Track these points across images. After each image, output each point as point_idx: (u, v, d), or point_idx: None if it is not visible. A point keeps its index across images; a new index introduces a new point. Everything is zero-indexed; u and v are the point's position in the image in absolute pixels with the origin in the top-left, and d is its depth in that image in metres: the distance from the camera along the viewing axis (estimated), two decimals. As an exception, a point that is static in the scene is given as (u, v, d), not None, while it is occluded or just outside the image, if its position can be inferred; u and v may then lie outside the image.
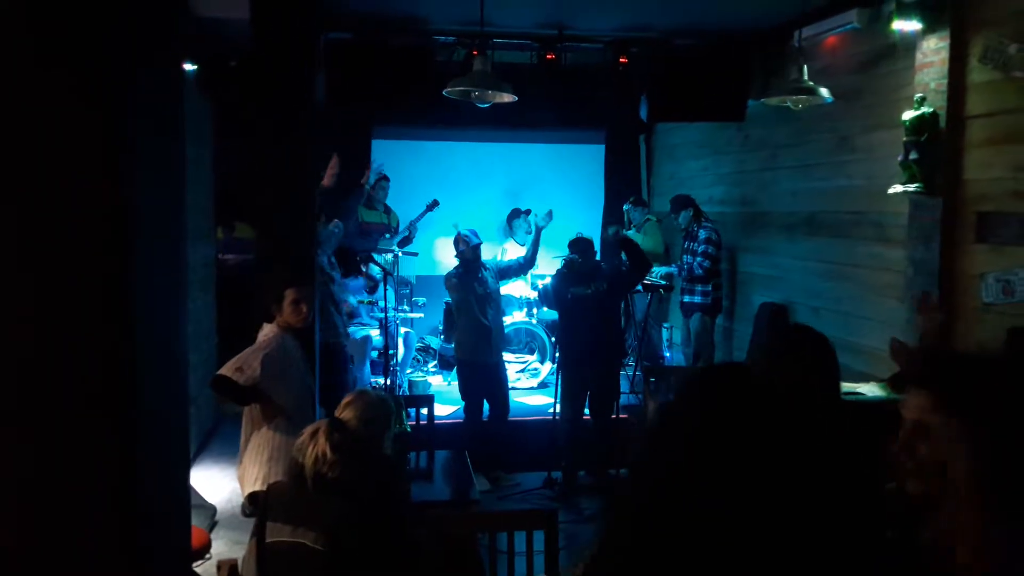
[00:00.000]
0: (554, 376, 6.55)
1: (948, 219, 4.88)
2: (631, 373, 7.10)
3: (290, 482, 2.66)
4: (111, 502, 2.09)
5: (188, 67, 5.90)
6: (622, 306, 6.82)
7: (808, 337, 2.45)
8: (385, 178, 7.74)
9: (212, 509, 5.25)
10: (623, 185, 9.14)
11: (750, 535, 1.09)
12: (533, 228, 6.71)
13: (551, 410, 6.36)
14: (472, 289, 6.06)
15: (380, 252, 7.26)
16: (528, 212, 8.14)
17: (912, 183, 4.98)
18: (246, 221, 8.11)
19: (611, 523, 1.21)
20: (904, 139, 4.99)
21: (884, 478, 1.41)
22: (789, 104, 5.58)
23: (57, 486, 2.05)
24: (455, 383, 6.49)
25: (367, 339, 6.85)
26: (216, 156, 7.41)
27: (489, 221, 8.51)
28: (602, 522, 1.24)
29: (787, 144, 6.93)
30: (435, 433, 4.89)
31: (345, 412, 2.88)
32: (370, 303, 7.19)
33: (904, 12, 5.08)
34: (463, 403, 6.23)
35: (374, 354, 7.02)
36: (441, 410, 6.30)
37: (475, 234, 6.12)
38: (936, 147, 4.87)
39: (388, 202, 8.08)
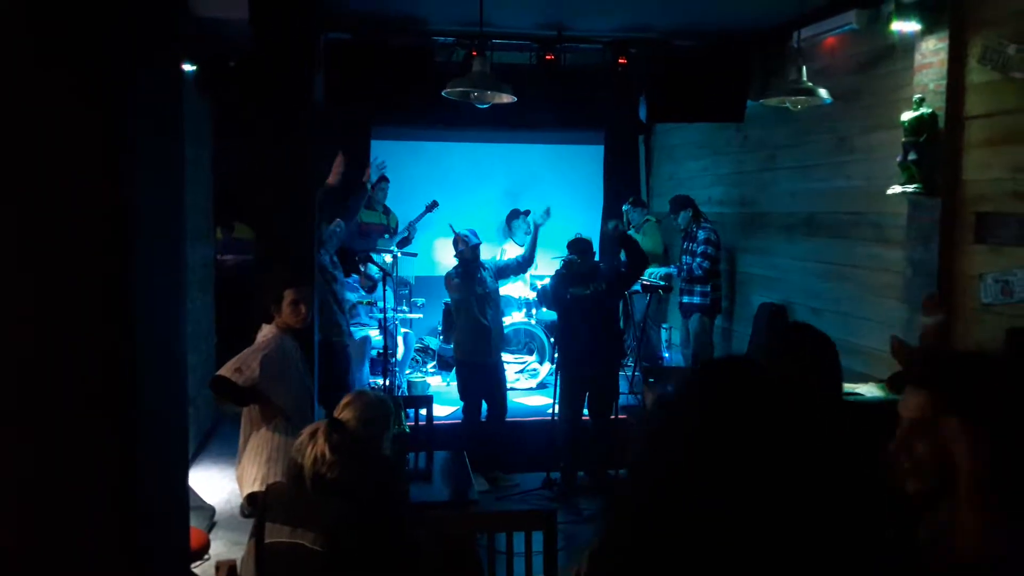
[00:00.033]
0: (553, 377, 6.55)
1: (947, 220, 4.88)
2: (630, 374, 7.10)
3: (289, 483, 2.66)
4: (110, 502, 2.09)
5: (187, 67, 5.90)
6: (621, 307, 6.83)
7: (807, 336, 2.43)
8: (384, 179, 7.74)
9: (211, 510, 5.25)
10: (622, 186, 9.15)
11: (750, 534, 1.09)
12: (531, 227, 6.72)
13: (550, 411, 6.36)
14: (472, 289, 6.07)
15: (379, 252, 7.26)
16: (527, 213, 8.15)
17: (911, 184, 4.98)
18: (245, 222, 8.12)
19: (611, 522, 1.22)
20: (903, 140, 4.99)
21: (884, 478, 1.41)
22: (788, 105, 5.59)
23: (56, 486, 2.05)
24: (454, 384, 6.49)
25: (366, 339, 6.84)
26: (215, 156, 7.41)
27: (488, 222, 8.50)
28: (602, 521, 1.24)
29: (786, 145, 6.93)
30: (434, 434, 4.89)
31: (344, 413, 2.88)
32: (369, 304, 7.19)
33: (903, 13, 5.08)
34: (462, 403, 6.23)
35: (372, 353, 7.02)
36: (440, 411, 6.31)
37: (474, 234, 6.12)
38: (935, 148, 4.88)
39: (387, 203, 8.08)
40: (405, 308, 7.61)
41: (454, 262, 6.19)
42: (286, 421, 3.83)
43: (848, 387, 4.36)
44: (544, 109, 7.33)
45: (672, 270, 7.72)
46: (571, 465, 6.04)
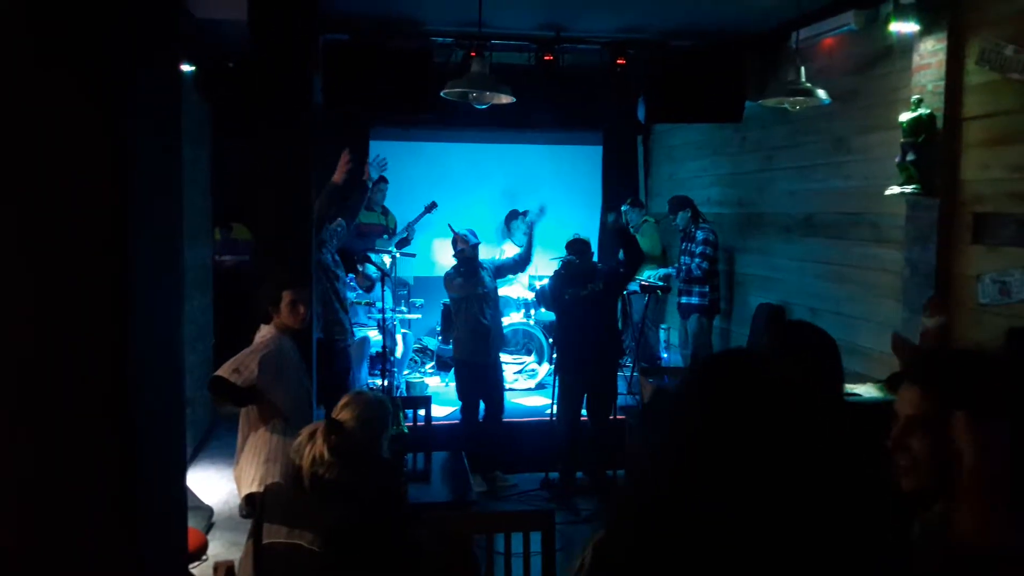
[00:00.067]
0: (551, 377, 6.55)
1: (945, 220, 4.89)
2: (628, 374, 7.11)
3: (287, 483, 2.66)
4: (108, 503, 2.09)
5: (186, 68, 5.90)
6: (619, 307, 6.83)
7: (808, 335, 2.39)
8: (383, 179, 7.74)
9: (209, 511, 5.25)
10: (621, 186, 9.16)
11: (751, 531, 1.09)
12: (528, 226, 6.73)
13: (548, 411, 6.36)
14: (473, 289, 6.07)
15: (377, 252, 7.26)
16: (526, 213, 8.15)
17: (909, 184, 4.99)
18: (243, 222, 8.12)
19: (615, 516, 1.22)
20: (901, 140, 5.00)
21: (884, 478, 1.41)
22: (786, 105, 5.59)
23: (54, 487, 2.05)
24: (452, 384, 6.48)
25: (365, 340, 6.84)
26: (213, 157, 7.41)
27: (487, 222, 8.51)
28: (606, 514, 1.25)
29: (784, 145, 6.94)
30: (432, 434, 4.89)
31: (343, 413, 2.88)
32: (368, 304, 7.19)
33: (901, 14, 5.09)
34: (460, 404, 6.24)
35: (372, 352, 7.02)
36: (438, 411, 6.31)
37: (473, 234, 6.13)
38: (933, 148, 4.89)
39: (386, 204, 8.08)
40: (404, 308, 7.61)
41: (453, 262, 6.19)
42: (284, 422, 3.82)
43: (847, 387, 4.36)
44: (543, 110, 7.34)
45: (671, 271, 7.72)
46: (569, 466, 6.04)
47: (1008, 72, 4.48)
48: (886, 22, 5.25)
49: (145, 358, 2.18)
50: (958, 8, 4.84)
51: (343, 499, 2.52)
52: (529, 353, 7.96)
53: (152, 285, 2.29)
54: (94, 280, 2.02)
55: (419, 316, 7.84)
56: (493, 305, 6.23)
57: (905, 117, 4.97)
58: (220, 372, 3.75)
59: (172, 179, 2.57)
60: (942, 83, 4.87)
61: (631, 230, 8.01)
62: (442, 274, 6.40)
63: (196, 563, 4.48)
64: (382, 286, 6.50)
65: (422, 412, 4.84)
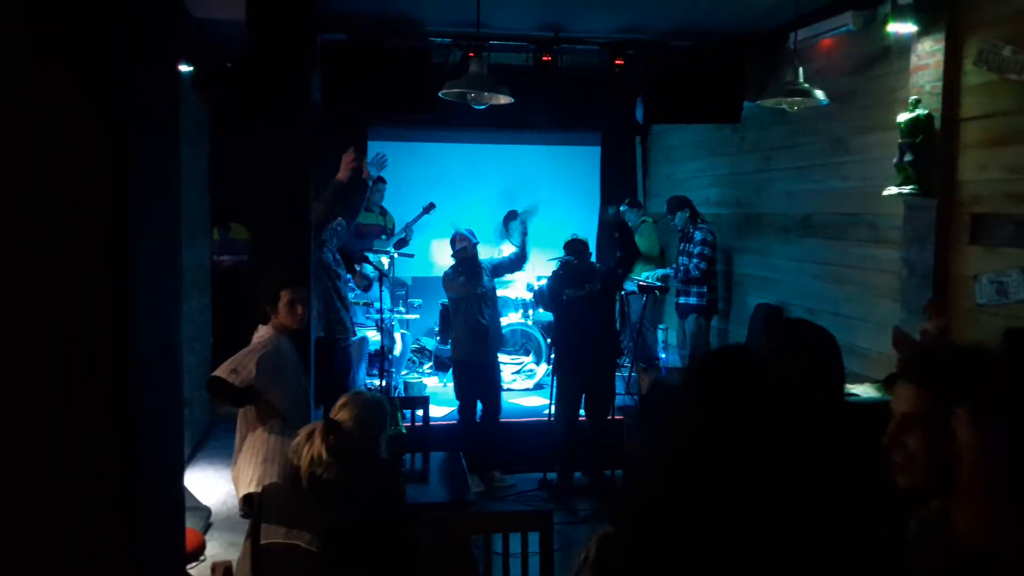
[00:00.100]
0: (550, 377, 6.55)
1: (943, 221, 4.90)
2: (626, 375, 7.11)
3: (285, 483, 2.66)
4: (106, 503, 2.09)
5: (184, 68, 5.90)
6: (617, 307, 6.83)
7: (805, 335, 2.34)
8: (382, 180, 7.74)
9: (207, 511, 5.25)
10: (619, 187, 9.16)
11: (751, 530, 1.09)
12: (524, 225, 6.75)
13: (547, 411, 6.36)
14: (473, 288, 6.07)
15: (375, 252, 7.25)
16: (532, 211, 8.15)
17: (907, 185, 5.00)
18: (241, 222, 8.12)
19: (617, 512, 1.22)
20: (899, 141, 5.01)
21: (881, 477, 1.41)
22: (785, 106, 5.60)
23: (53, 487, 2.05)
24: (450, 384, 6.48)
25: (364, 340, 6.84)
26: (212, 157, 7.41)
27: (485, 223, 8.51)
28: (609, 511, 1.25)
29: (782, 146, 6.95)
30: (430, 435, 4.89)
31: (341, 413, 2.87)
32: (366, 304, 7.19)
33: (899, 15, 5.10)
34: (458, 404, 6.24)
35: (371, 349, 7.02)
36: (436, 411, 6.31)
37: (472, 234, 6.13)
38: (931, 149, 4.89)
39: (384, 204, 8.08)
40: (402, 309, 7.61)
41: (451, 262, 6.20)
42: (282, 422, 3.82)
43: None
44: (541, 110, 7.34)
45: (669, 271, 7.73)
46: (567, 466, 6.04)
47: (1006, 73, 4.49)
48: (884, 23, 5.25)
49: (143, 358, 2.18)
50: (956, 9, 4.84)
51: (341, 499, 2.52)
52: (527, 353, 7.96)
53: (150, 285, 2.29)
54: (92, 280, 2.02)
55: (417, 316, 7.84)
56: (491, 305, 6.23)
57: (903, 118, 4.98)
58: (218, 372, 3.74)
59: (170, 179, 2.57)
60: (940, 84, 4.88)
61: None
62: (440, 274, 6.40)
63: (194, 563, 4.48)
64: (380, 286, 6.50)
65: (420, 412, 4.84)
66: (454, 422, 6.30)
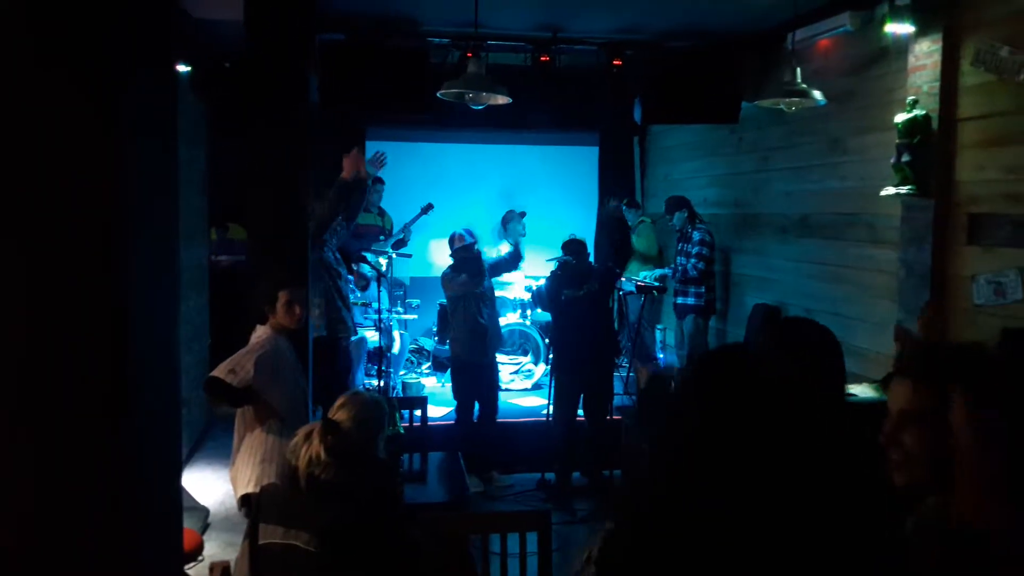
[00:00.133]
0: (548, 377, 6.55)
1: (940, 221, 4.90)
2: (625, 375, 7.11)
3: (283, 484, 2.66)
4: (104, 503, 2.09)
5: (182, 68, 5.89)
6: (615, 308, 6.84)
7: (805, 334, 2.31)
8: (380, 180, 7.74)
9: (205, 511, 5.24)
10: (617, 187, 9.15)
11: (747, 531, 1.09)
12: (523, 228, 6.76)
13: (545, 412, 6.36)
14: (475, 287, 6.08)
15: (373, 252, 7.25)
16: (523, 214, 8.14)
17: (904, 185, 5.00)
18: (239, 222, 8.11)
19: (620, 512, 1.22)
20: (896, 141, 5.01)
21: (880, 477, 1.41)
22: (782, 106, 5.60)
23: (52, 487, 2.04)
24: (449, 385, 6.48)
25: (362, 340, 6.84)
26: (210, 157, 7.41)
27: (483, 223, 8.51)
28: (613, 510, 1.25)
29: (780, 146, 6.95)
30: (429, 435, 4.89)
31: (339, 414, 2.87)
32: (364, 304, 7.19)
33: (897, 15, 5.10)
34: (455, 403, 6.24)
35: (370, 347, 7.02)
36: (435, 412, 6.31)
37: (470, 233, 6.14)
38: (928, 149, 4.90)
39: (382, 204, 8.07)
40: (400, 309, 7.61)
41: (449, 262, 6.20)
42: (280, 422, 3.82)
43: (842, 388, 4.36)
44: (539, 110, 7.34)
45: (667, 271, 7.73)
46: (566, 466, 6.04)
47: (1003, 73, 4.49)
48: (882, 23, 5.26)
49: (141, 358, 2.18)
50: (953, 9, 4.85)
51: (339, 499, 2.52)
52: (525, 353, 7.96)
53: (148, 285, 2.29)
54: (91, 280, 2.02)
55: (415, 316, 7.84)
56: (490, 304, 6.24)
57: (900, 118, 4.98)
58: (216, 372, 3.74)
59: (168, 179, 2.57)
60: (937, 84, 4.88)
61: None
62: (439, 275, 6.40)
63: (192, 564, 4.48)
64: (378, 286, 6.50)
65: (418, 412, 4.84)
66: (452, 422, 6.30)
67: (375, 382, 6.51)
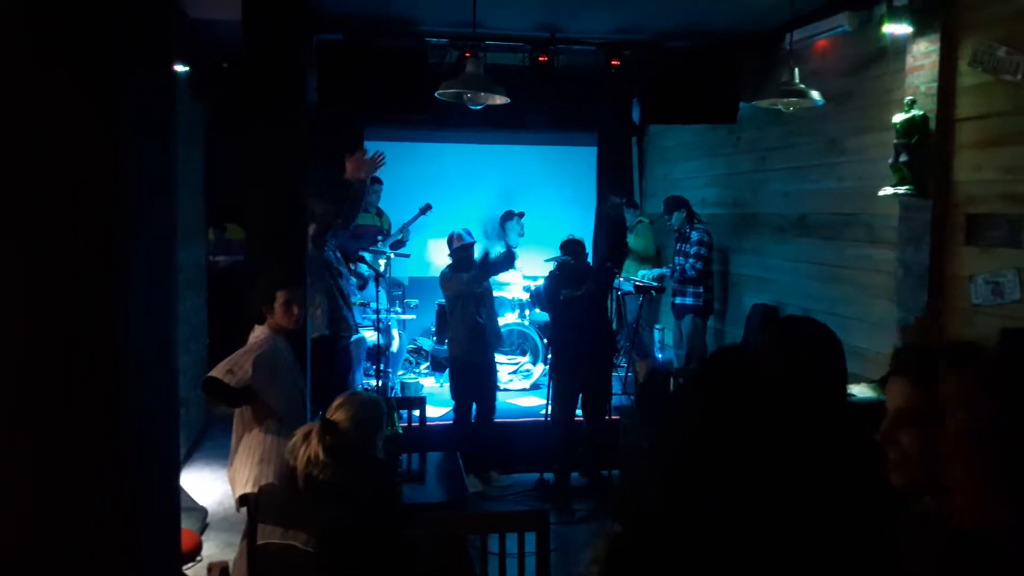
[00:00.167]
0: (546, 378, 6.55)
1: (938, 221, 4.90)
2: (623, 375, 7.12)
3: (282, 484, 2.66)
4: (103, 504, 2.09)
5: (181, 68, 5.89)
6: (614, 307, 6.84)
7: (805, 334, 2.27)
8: (378, 180, 7.74)
9: (203, 511, 5.24)
10: (615, 187, 9.15)
11: (746, 532, 1.09)
12: (522, 228, 6.76)
13: (543, 412, 6.36)
14: (476, 285, 6.08)
15: (371, 252, 7.25)
16: (521, 214, 8.16)
17: (902, 185, 5.00)
18: (237, 222, 8.11)
19: (622, 514, 1.22)
20: (894, 142, 5.01)
21: (879, 476, 1.41)
22: (780, 107, 5.60)
23: (50, 487, 2.04)
24: (447, 385, 6.49)
25: (361, 340, 6.84)
26: (208, 157, 7.40)
27: (482, 223, 8.52)
28: (615, 513, 1.24)
29: (778, 146, 6.96)
30: (427, 435, 4.89)
31: (337, 414, 2.87)
32: (362, 304, 7.19)
33: (895, 16, 5.10)
34: (453, 403, 6.24)
35: (369, 344, 7.02)
36: (433, 412, 6.31)
37: (468, 233, 6.14)
38: (926, 150, 4.90)
39: (380, 204, 8.07)
40: (398, 309, 7.61)
41: (447, 262, 6.20)
42: (278, 422, 3.82)
43: (840, 387, 4.36)
44: (537, 111, 7.35)
45: (665, 271, 7.73)
46: (564, 466, 6.04)
47: (1001, 74, 4.50)
48: (879, 24, 5.26)
49: (140, 358, 2.18)
50: (951, 10, 4.85)
51: (337, 500, 2.52)
52: (524, 354, 7.96)
53: (146, 285, 2.28)
54: (88, 280, 2.02)
55: (414, 317, 7.84)
56: (488, 304, 6.24)
57: (898, 118, 4.98)
58: (214, 373, 3.74)
59: (166, 179, 2.57)
60: (935, 84, 4.89)
61: (626, 230, 8.05)
62: (437, 275, 6.40)
63: (190, 564, 4.48)
64: (376, 285, 6.50)
65: (417, 413, 4.84)
66: (451, 422, 6.31)
67: (373, 382, 6.51)
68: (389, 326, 7.10)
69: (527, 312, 7.94)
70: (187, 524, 4.49)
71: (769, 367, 1.22)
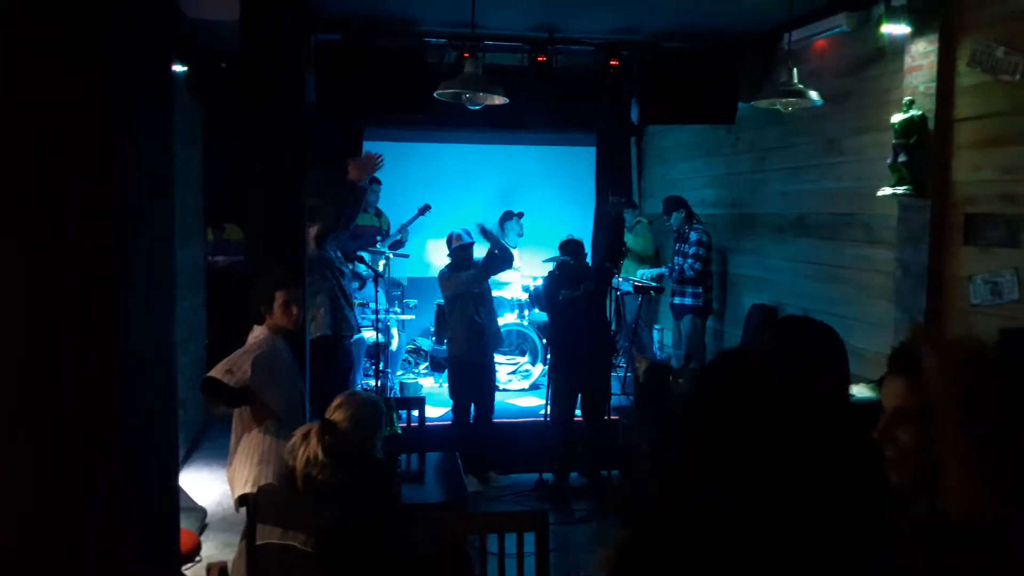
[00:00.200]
0: (545, 378, 6.55)
1: (937, 221, 4.91)
2: (622, 375, 7.12)
3: (281, 484, 2.66)
4: (101, 504, 2.09)
5: (179, 68, 5.89)
6: (613, 308, 6.84)
7: (806, 334, 2.18)
8: (376, 181, 7.74)
9: (202, 511, 5.24)
10: (614, 187, 9.15)
11: (745, 532, 1.10)
12: (521, 228, 6.76)
13: (543, 412, 6.36)
14: (477, 285, 6.08)
15: (370, 252, 7.25)
16: (520, 215, 8.17)
17: (901, 185, 5.01)
18: (236, 223, 8.12)
19: (627, 521, 1.22)
20: (893, 142, 5.02)
21: (878, 476, 1.41)
22: (779, 107, 5.60)
23: (49, 488, 2.04)
24: (446, 385, 6.49)
25: (361, 340, 6.84)
26: (206, 157, 7.40)
27: (481, 223, 8.50)
28: (620, 515, 1.25)
29: (777, 146, 6.96)
30: (426, 435, 4.89)
31: (336, 414, 2.87)
32: (361, 304, 7.19)
33: (893, 16, 5.11)
34: (451, 402, 6.24)
35: (369, 342, 7.02)
36: (432, 412, 6.31)
37: (468, 233, 6.14)
38: (925, 150, 4.90)
39: (379, 204, 8.07)
40: (397, 309, 7.61)
41: (447, 262, 6.21)
42: (277, 423, 3.82)
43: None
44: (536, 111, 7.35)
45: (664, 271, 7.74)
46: (564, 466, 6.05)
47: (999, 74, 4.50)
48: (878, 24, 5.26)
49: (138, 358, 2.17)
50: (949, 10, 4.86)
51: (336, 500, 2.52)
52: (523, 354, 7.97)
53: (144, 285, 2.28)
54: (87, 280, 2.02)
55: (413, 317, 7.84)
56: (487, 304, 6.24)
57: (897, 118, 4.99)
58: (213, 373, 3.74)
59: (165, 179, 2.57)
60: (933, 85, 4.89)
61: (624, 230, 8.05)
62: (436, 275, 6.40)
63: (189, 564, 4.48)
64: (375, 285, 6.50)
65: (416, 413, 4.84)
66: (450, 423, 6.31)
67: (373, 382, 6.51)
68: (388, 326, 7.10)
69: (526, 312, 7.94)
70: (186, 524, 4.48)
71: (768, 368, 1.22)
